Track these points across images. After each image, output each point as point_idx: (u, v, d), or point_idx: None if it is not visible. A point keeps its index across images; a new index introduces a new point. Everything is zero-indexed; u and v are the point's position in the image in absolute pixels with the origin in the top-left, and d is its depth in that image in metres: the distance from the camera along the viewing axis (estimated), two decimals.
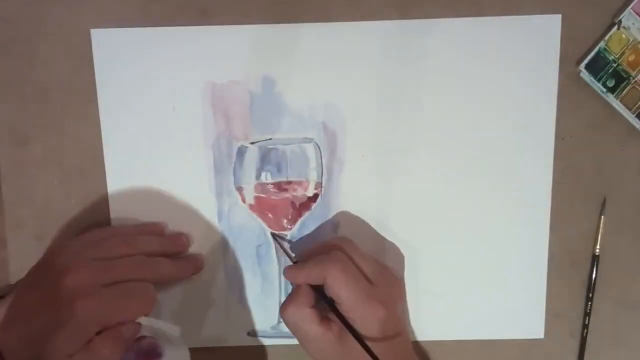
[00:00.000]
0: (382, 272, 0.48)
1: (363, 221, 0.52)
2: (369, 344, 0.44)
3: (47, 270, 0.45)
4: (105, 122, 0.51)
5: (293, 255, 0.50)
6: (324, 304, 0.46)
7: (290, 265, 0.49)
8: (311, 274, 0.46)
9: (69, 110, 0.51)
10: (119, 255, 0.47)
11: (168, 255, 0.50)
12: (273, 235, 0.52)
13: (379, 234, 0.52)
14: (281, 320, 0.52)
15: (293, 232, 0.52)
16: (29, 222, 0.52)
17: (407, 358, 0.49)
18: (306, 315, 0.46)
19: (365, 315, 0.46)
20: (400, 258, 0.52)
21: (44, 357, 0.43)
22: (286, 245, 0.52)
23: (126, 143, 0.51)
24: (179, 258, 0.51)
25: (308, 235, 0.52)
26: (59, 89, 0.51)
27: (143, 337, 0.47)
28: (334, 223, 0.52)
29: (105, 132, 0.51)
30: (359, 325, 0.45)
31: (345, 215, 0.52)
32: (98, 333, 0.43)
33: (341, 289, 0.45)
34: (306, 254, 0.49)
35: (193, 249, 0.52)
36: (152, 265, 0.48)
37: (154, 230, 0.51)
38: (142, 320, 0.46)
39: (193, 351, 0.52)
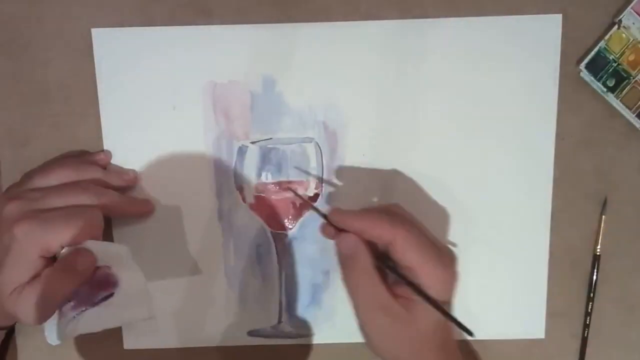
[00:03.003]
0: (438, 240, 0.46)
1: None
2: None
3: None
4: (105, 122, 0.51)
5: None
6: (387, 270, 0.43)
7: (339, 210, 0.45)
8: (375, 227, 0.43)
9: (69, 110, 0.51)
10: (60, 182, 0.46)
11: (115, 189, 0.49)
12: (309, 202, 0.48)
13: None
14: (282, 320, 0.52)
15: (293, 232, 0.52)
16: None
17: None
18: (373, 271, 0.43)
19: (436, 278, 0.43)
20: None
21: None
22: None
23: (126, 143, 0.51)
24: (129, 195, 0.51)
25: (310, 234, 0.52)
26: (59, 89, 0.51)
27: (96, 267, 0.45)
28: None
29: (105, 132, 0.51)
30: (431, 292, 0.42)
31: None
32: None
33: (413, 250, 0.42)
34: (349, 218, 0.45)
35: (193, 247, 0.52)
36: (97, 191, 0.47)
37: (100, 160, 0.50)
38: (89, 244, 0.44)
39: (193, 351, 0.53)
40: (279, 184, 0.50)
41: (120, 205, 0.49)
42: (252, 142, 0.51)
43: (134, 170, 0.51)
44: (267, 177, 0.50)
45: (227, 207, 0.52)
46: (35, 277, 0.43)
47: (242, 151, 0.51)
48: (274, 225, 0.51)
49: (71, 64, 0.50)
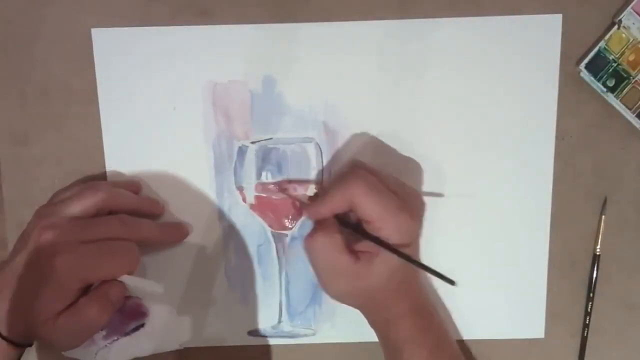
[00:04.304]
0: (402, 185, 0.48)
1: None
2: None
3: (28, 234, 0.46)
4: (105, 122, 0.51)
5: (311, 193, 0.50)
6: (350, 230, 0.46)
7: (311, 202, 0.48)
8: (335, 200, 0.45)
9: (69, 110, 0.51)
10: (97, 209, 0.46)
11: (144, 217, 0.50)
12: (283, 186, 0.50)
13: None
14: (282, 320, 0.53)
15: (294, 232, 0.52)
16: None
17: (418, 258, 0.50)
18: (337, 243, 0.45)
19: (398, 228, 0.45)
20: None
21: (32, 320, 0.43)
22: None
23: (126, 143, 0.51)
24: (163, 222, 0.51)
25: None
26: (59, 89, 0.51)
27: (127, 297, 0.47)
28: None
29: (105, 132, 0.51)
30: (393, 240, 0.45)
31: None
32: (84, 295, 0.44)
33: (371, 205, 0.44)
34: (323, 190, 0.48)
35: (193, 247, 0.52)
36: (134, 224, 0.47)
37: (130, 186, 0.50)
38: (126, 279, 0.46)
39: (193, 351, 0.53)
40: (279, 184, 0.50)
41: (156, 235, 0.49)
42: (252, 142, 0.51)
43: (164, 200, 0.51)
44: (267, 177, 0.50)
45: (227, 207, 0.52)
46: (70, 305, 0.44)
47: (242, 151, 0.51)
48: (274, 225, 0.51)
49: (71, 64, 0.50)
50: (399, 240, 0.45)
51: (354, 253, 0.46)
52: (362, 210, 0.44)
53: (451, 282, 0.45)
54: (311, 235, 0.46)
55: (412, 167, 0.51)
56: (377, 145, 0.51)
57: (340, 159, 0.51)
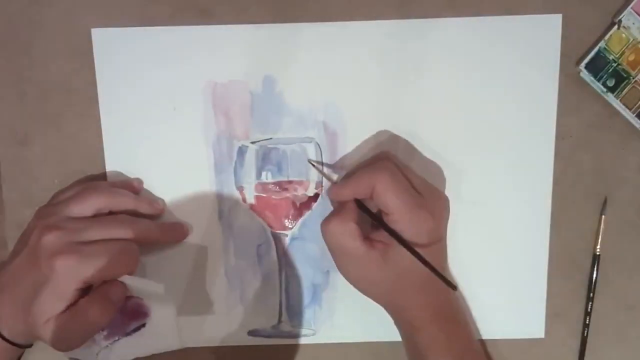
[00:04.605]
0: (427, 185, 0.48)
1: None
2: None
3: (28, 234, 0.46)
4: (105, 122, 0.51)
5: (335, 177, 0.51)
6: (369, 218, 0.46)
7: (335, 183, 0.49)
8: (359, 185, 0.46)
9: (69, 110, 0.51)
10: (96, 210, 0.47)
11: (144, 217, 0.50)
12: (309, 161, 0.50)
13: None
14: (282, 319, 0.52)
15: (294, 232, 0.52)
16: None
17: (442, 263, 0.50)
18: (351, 230, 0.45)
19: (414, 225, 0.45)
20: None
21: (32, 320, 0.44)
22: (321, 167, 0.51)
23: (126, 143, 0.51)
24: (163, 222, 0.51)
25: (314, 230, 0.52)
26: (59, 89, 0.51)
27: (128, 297, 0.47)
28: None
29: (105, 132, 0.51)
30: (407, 235, 0.45)
31: None
32: (84, 296, 0.44)
33: (391, 197, 0.44)
34: (348, 174, 0.49)
35: (193, 247, 0.52)
36: (134, 225, 0.47)
37: (133, 186, 0.51)
38: (126, 279, 0.46)
39: (193, 351, 0.53)
40: (279, 184, 0.50)
41: (156, 235, 0.49)
42: (252, 142, 0.51)
43: (163, 200, 0.51)
44: (267, 177, 0.50)
45: (227, 207, 0.52)
46: (70, 306, 0.44)
47: (242, 151, 0.51)
48: (274, 225, 0.51)
49: (71, 64, 0.50)
50: (414, 237, 0.45)
51: (369, 241, 0.46)
52: (382, 201, 0.45)
53: (453, 287, 0.45)
54: (327, 219, 0.46)
55: (412, 167, 0.51)
56: (377, 145, 0.51)
57: (340, 159, 0.51)
